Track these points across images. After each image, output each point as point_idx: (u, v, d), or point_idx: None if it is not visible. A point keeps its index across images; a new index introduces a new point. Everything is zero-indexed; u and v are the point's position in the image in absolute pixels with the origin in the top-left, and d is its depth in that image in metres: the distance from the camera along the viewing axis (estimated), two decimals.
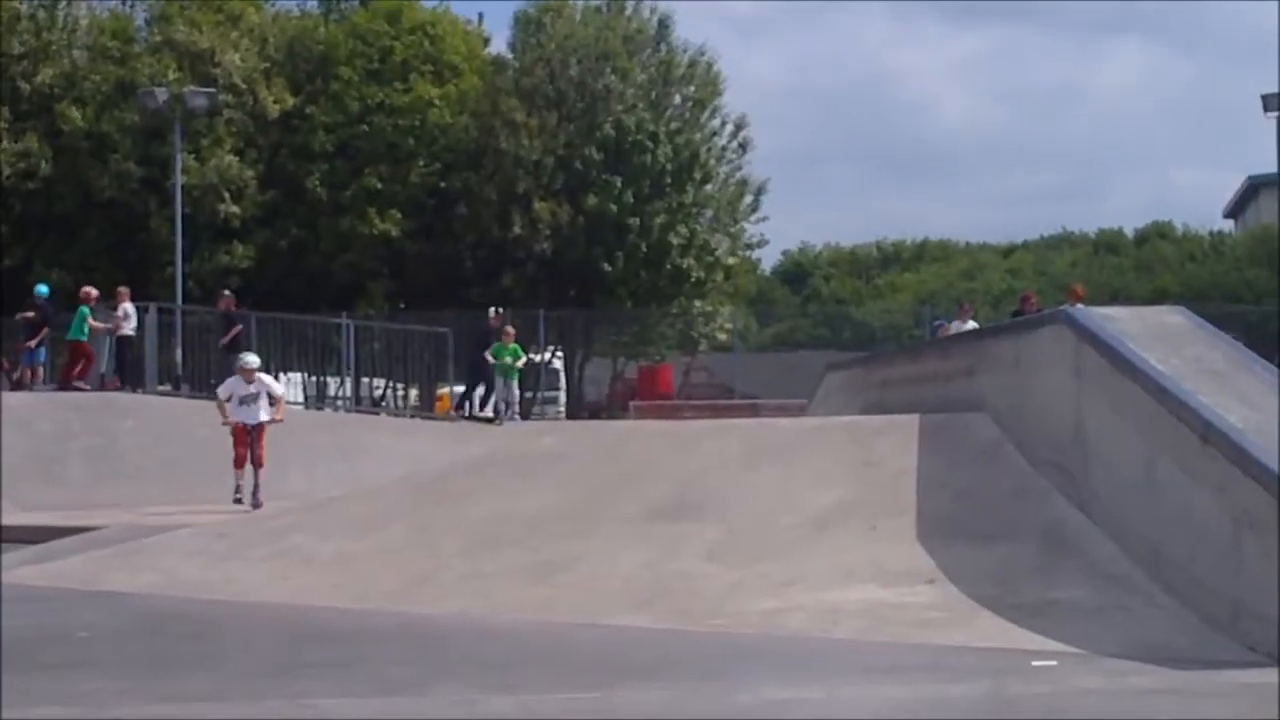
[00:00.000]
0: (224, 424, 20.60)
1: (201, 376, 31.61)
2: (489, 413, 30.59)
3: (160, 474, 23.69)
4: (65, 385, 29.50)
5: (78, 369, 30.17)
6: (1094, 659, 8.15)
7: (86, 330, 30.17)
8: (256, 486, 20.10)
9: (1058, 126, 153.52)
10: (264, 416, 20.64)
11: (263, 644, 9.56)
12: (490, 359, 30.31)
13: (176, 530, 14.14)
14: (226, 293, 31.58)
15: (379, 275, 47.31)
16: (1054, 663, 8.08)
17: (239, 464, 20.41)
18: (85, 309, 30.40)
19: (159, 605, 11.20)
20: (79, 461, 23.98)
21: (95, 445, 24.39)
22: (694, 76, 52.29)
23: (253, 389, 20.65)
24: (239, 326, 30.55)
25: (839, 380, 21.57)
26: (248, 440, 20.44)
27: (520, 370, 30.78)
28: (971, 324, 28.32)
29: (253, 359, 21.31)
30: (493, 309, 33.87)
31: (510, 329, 31.07)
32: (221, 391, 21.05)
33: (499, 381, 30.29)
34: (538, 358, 32.61)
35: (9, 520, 19.47)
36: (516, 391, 30.31)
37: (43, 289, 32.15)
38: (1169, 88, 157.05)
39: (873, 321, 67.81)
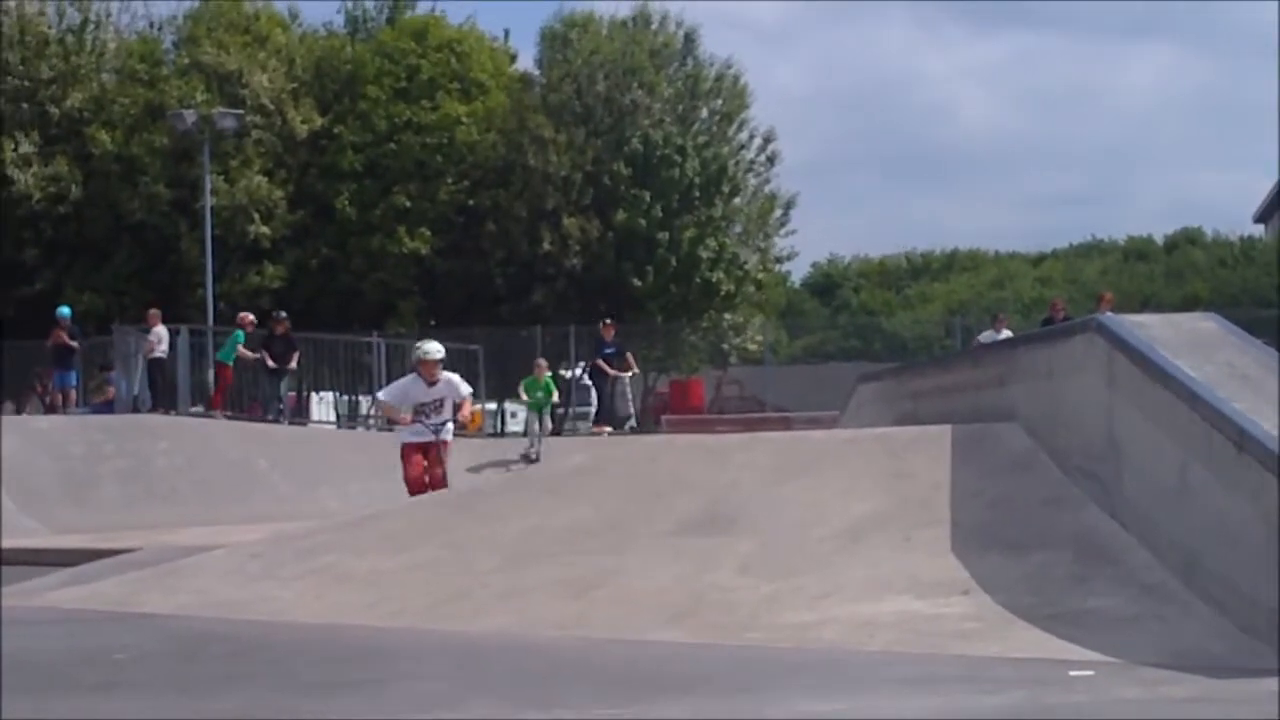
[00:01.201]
0: (393, 422, 16.62)
1: (234, 397, 31.86)
2: (604, 428, 30.48)
3: (193, 495, 23.83)
4: (210, 411, 30.15)
5: (219, 390, 30.80)
6: (1131, 668, 8.12)
7: (234, 356, 30.70)
8: None
9: (1083, 130, 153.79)
10: (449, 432, 16.20)
11: (298, 663, 9.57)
12: (523, 395, 29.87)
13: (211, 551, 14.17)
14: (283, 314, 31.90)
15: (409, 294, 47.52)
16: (1091, 672, 8.05)
17: (414, 491, 15.81)
18: (240, 333, 30.87)
19: (194, 626, 11.23)
20: (112, 484, 24.13)
21: (128, 467, 24.55)
22: (721, 90, 52.45)
23: (435, 393, 15.95)
24: (299, 350, 31.09)
25: (871, 392, 21.55)
26: (424, 460, 15.97)
27: (553, 404, 30.28)
28: (1006, 333, 28.36)
29: (435, 348, 16.11)
30: (605, 320, 33.61)
31: (543, 361, 30.65)
32: (388, 397, 16.57)
33: (530, 416, 29.93)
34: (569, 374, 32.46)
35: (43, 543, 19.57)
36: (550, 424, 30.32)
37: (65, 310, 32.42)
38: (1195, 90, 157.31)
39: (903, 332, 67.88)
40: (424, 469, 15.79)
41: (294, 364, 31.05)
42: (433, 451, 15.84)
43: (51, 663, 9.55)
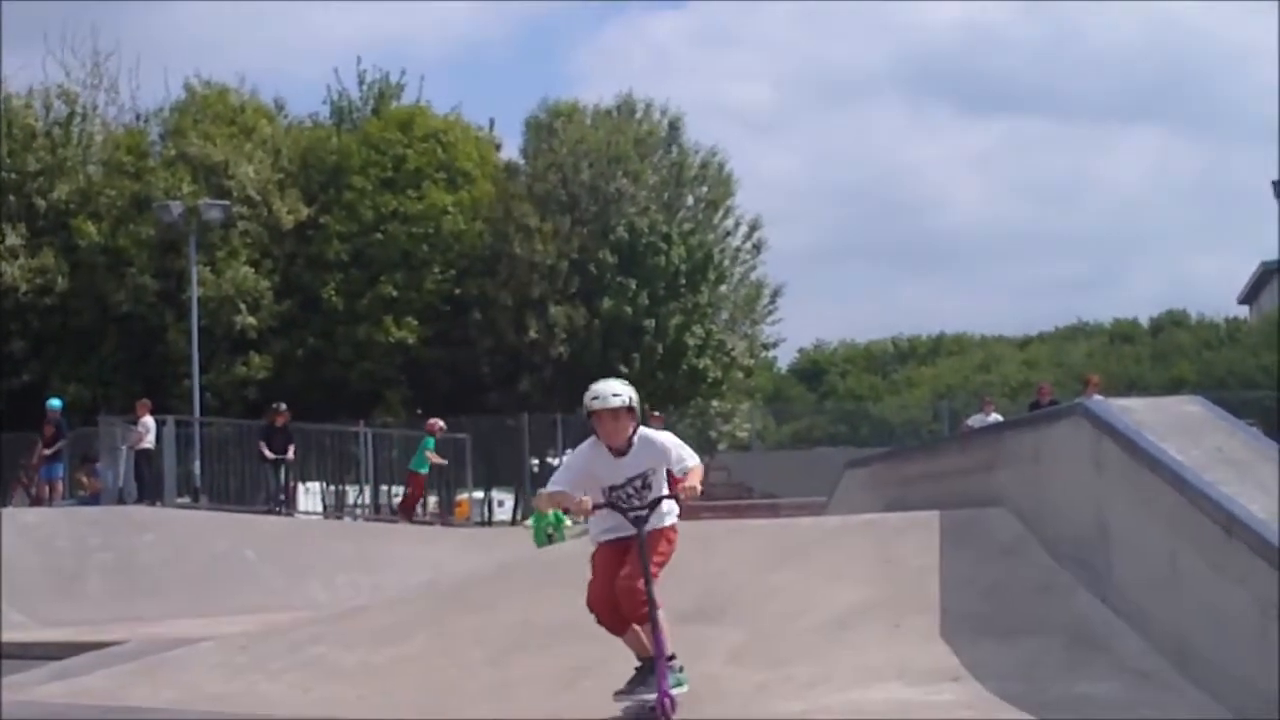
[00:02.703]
0: (574, 507, 9.99)
1: (221, 489, 31.83)
2: None
3: (181, 587, 23.69)
4: (405, 516, 30.51)
5: (412, 500, 31.20)
6: None
7: (427, 464, 31.08)
8: (660, 670, 9.25)
9: (1072, 215, 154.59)
10: (668, 515, 9.70)
11: None
12: (529, 524, 25.35)
13: (198, 643, 14.08)
14: (283, 407, 32.18)
15: (396, 383, 47.53)
16: None
17: (613, 630, 9.76)
18: (430, 440, 31.21)
19: None
20: (98, 576, 23.97)
21: (114, 560, 24.40)
22: (706, 177, 52.66)
23: (630, 466, 9.53)
24: (294, 443, 31.42)
25: (859, 478, 21.53)
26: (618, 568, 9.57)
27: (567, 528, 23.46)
28: (995, 417, 28.46)
29: (613, 389, 9.51)
30: (654, 413, 32.85)
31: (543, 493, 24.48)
32: (564, 481, 9.69)
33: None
34: (557, 461, 31.50)
35: (28, 637, 19.43)
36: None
37: (56, 402, 32.43)
38: (1183, 174, 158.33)
39: (890, 417, 67.87)
40: (612, 577, 9.59)
41: (290, 455, 31.27)
42: (634, 550, 9.46)
43: None
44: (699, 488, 9.48)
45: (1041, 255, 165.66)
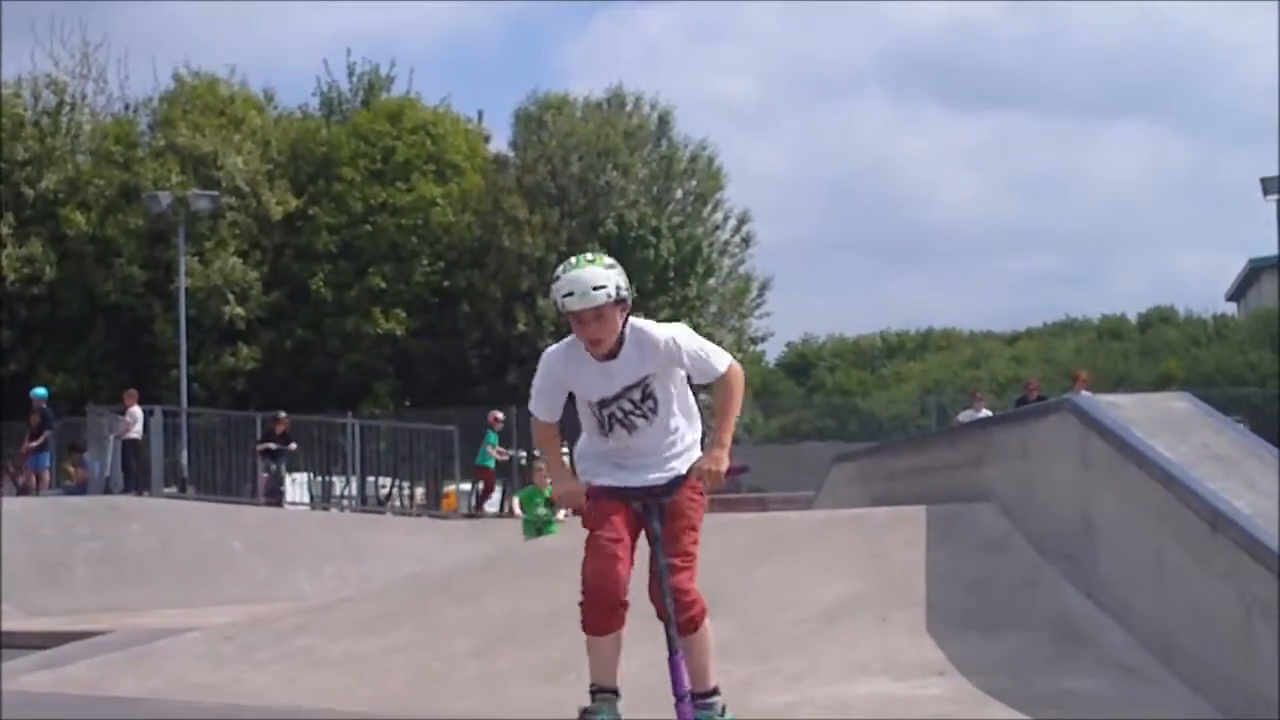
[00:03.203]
0: (560, 497, 7.43)
1: (208, 479, 31.89)
2: None
3: (167, 577, 23.70)
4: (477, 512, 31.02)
5: (483, 494, 31.54)
6: None
7: (491, 458, 31.33)
8: (683, 714, 7.24)
9: (1060, 211, 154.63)
10: (679, 462, 7.32)
11: None
12: (518, 510, 22.96)
13: (184, 633, 14.08)
14: (283, 414, 32.68)
15: (384, 374, 47.45)
16: None
17: (594, 624, 7.32)
18: (492, 434, 31.46)
19: (167, 710, 11.15)
20: (84, 566, 23.97)
21: (101, 549, 24.39)
22: (695, 171, 52.46)
23: (622, 374, 7.08)
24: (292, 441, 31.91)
25: (846, 472, 21.56)
26: (630, 533, 7.26)
27: (559, 523, 20.85)
28: (985, 412, 28.51)
29: (584, 279, 6.84)
30: None
31: (543, 467, 21.02)
32: (538, 409, 7.32)
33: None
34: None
35: (14, 626, 19.41)
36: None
37: (41, 391, 32.41)
38: (1171, 170, 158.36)
39: (879, 412, 67.82)
40: (625, 547, 7.20)
41: (292, 446, 32.00)
42: (654, 513, 7.26)
43: None
44: (722, 469, 7.14)
45: (1030, 251, 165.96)
